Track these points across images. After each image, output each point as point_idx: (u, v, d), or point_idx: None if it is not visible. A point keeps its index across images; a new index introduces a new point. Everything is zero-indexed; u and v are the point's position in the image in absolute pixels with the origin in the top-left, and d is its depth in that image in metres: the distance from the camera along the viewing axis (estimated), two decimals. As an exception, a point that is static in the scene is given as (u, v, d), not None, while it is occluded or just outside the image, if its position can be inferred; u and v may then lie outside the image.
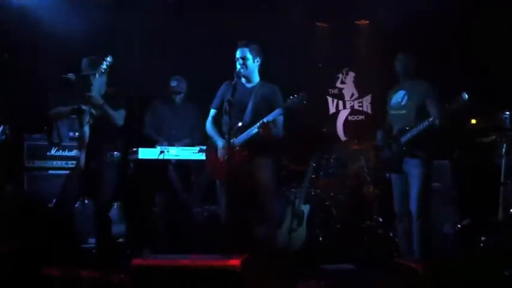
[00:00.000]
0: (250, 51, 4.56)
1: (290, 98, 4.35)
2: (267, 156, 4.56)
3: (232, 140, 4.43)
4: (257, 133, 4.37)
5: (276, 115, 4.39)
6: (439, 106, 4.58)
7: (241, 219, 4.50)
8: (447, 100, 4.54)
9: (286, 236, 5.50)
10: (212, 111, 4.73)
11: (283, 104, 4.41)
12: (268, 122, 4.34)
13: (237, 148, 4.43)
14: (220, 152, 4.51)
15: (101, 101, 4.64)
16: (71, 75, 4.85)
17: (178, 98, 5.85)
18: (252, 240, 4.51)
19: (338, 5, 6.83)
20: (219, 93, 4.71)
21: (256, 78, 4.66)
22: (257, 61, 4.61)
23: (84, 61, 4.85)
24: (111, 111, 4.68)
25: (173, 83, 5.80)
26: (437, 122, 4.51)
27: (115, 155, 4.78)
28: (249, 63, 4.56)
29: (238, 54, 4.57)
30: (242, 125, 4.47)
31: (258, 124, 4.35)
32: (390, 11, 6.73)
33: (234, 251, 4.21)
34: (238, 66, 4.55)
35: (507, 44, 5.87)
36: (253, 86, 4.62)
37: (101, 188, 4.73)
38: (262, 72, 4.72)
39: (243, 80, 4.62)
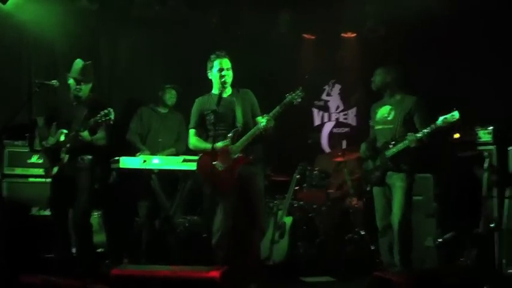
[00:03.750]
0: (230, 61, 4.54)
1: (290, 94, 4.34)
2: (260, 163, 4.56)
3: (230, 147, 4.39)
4: (261, 131, 4.32)
5: (279, 110, 4.34)
6: (427, 119, 4.61)
7: (233, 230, 4.44)
8: (434, 115, 4.56)
9: (268, 248, 5.48)
10: (192, 131, 4.62)
11: (284, 100, 4.36)
12: (271, 117, 4.32)
13: (240, 154, 4.38)
14: (217, 162, 4.42)
15: (89, 138, 4.65)
16: (54, 82, 4.81)
17: (167, 107, 5.86)
18: (236, 251, 4.46)
19: (325, 18, 6.86)
20: (194, 110, 4.63)
21: (229, 87, 4.61)
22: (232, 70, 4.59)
23: (78, 63, 4.83)
24: (95, 139, 4.71)
25: (164, 96, 5.84)
26: (423, 137, 4.53)
27: (86, 160, 4.75)
28: (230, 73, 4.54)
29: (219, 64, 4.50)
30: (235, 131, 4.42)
31: (263, 122, 4.30)
32: (377, 23, 6.79)
33: (215, 262, 4.20)
34: (219, 78, 4.51)
35: (489, 58, 5.94)
36: (230, 95, 4.57)
37: (76, 194, 4.69)
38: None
39: (216, 92, 4.56)
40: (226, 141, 4.41)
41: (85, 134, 4.61)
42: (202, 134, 4.63)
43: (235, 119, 4.47)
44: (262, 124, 4.31)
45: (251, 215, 4.42)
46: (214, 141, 4.37)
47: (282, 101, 4.36)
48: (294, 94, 4.33)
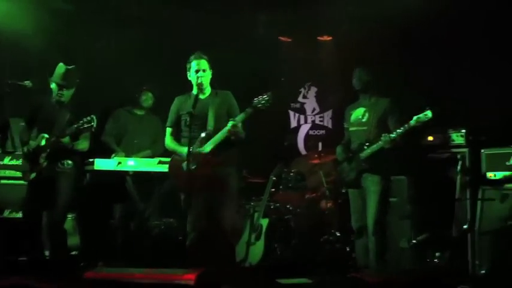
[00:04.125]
0: (208, 63, 4.53)
1: (257, 98, 4.34)
2: (232, 165, 4.54)
3: (199, 149, 4.38)
4: (227, 136, 4.34)
5: (244, 116, 4.36)
6: (400, 122, 4.66)
7: (206, 231, 4.44)
8: (409, 116, 4.62)
9: (244, 250, 5.47)
10: (169, 130, 4.65)
11: (251, 104, 4.36)
12: (237, 122, 4.32)
13: (209, 156, 4.38)
14: (187, 163, 4.42)
15: (70, 145, 4.63)
16: (27, 82, 4.74)
17: (144, 110, 5.83)
18: (211, 253, 4.45)
19: (301, 21, 6.89)
20: (173, 109, 4.66)
21: (208, 88, 4.62)
22: (211, 72, 4.57)
23: (61, 68, 4.77)
24: (76, 145, 4.69)
25: (141, 98, 5.81)
26: (397, 137, 4.58)
27: (67, 164, 4.70)
28: (207, 75, 4.53)
29: (196, 65, 4.50)
30: (207, 134, 4.43)
31: (228, 126, 4.31)
32: (353, 27, 6.84)
33: (190, 265, 4.18)
34: (195, 80, 4.51)
35: (464, 61, 6.03)
36: (208, 96, 4.58)
37: (54, 198, 4.64)
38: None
39: (194, 92, 4.57)
40: (197, 145, 4.41)
41: (66, 140, 4.59)
42: (178, 133, 4.63)
43: (204, 123, 4.47)
44: (226, 128, 4.33)
45: (223, 217, 4.41)
46: (189, 144, 4.35)
47: (249, 105, 4.37)
48: (260, 99, 4.32)
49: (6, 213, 5.34)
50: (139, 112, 5.86)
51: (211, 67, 4.57)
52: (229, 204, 4.45)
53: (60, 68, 4.78)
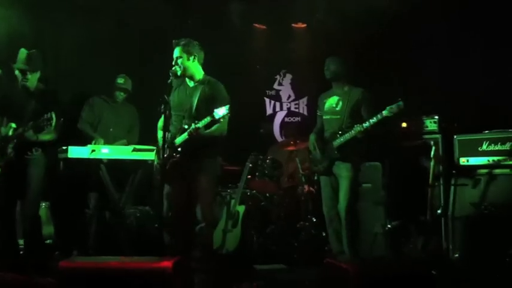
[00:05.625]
0: (183, 50, 4.39)
1: (217, 108, 4.17)
2: (209, 158, 4.45)
3: (175, 140, 4.35)
4: (189, 136, 4.29)
5: (205, 122, 4.23)
6: (373, 112, 4.69)
7: (182, 220, 4.42)
8: (381, 105, 4.66)
9: (221, 237, 5.48)
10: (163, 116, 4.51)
11: (212, 114, 4.19)
12: (198, 127, 4.22)
13: (178, 149, 4.34)
14: (162, 155, 4.38)
15: (34, 138, 4.56)
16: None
17: (121, 97, 5.74)
18: (187, 241, 4.44)
19: (275, 8, 6.87)
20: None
21: (198, 75, 4.49)
22: (193, 58, 4.42)
23: (22, 53, 4.68)
24: (41, 138, 4.61)
25: (120, 80, 5.70)
26: (370, 127, 4.62)
27: (35, 151, 4.65)
28: (183, 62, 4.41)
29: (174, 53, 4.44)
30: (182, 126, 4.37)
31: (192, 127, 4.24)
32: (327, 14, 6.84)
33: (167, 253, 4.16)
34: (174, 66, 4.40)
35: (436, 47, 6.10)
36: (196, 85, 4.48)
37: (24, 185, 4.59)
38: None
39: (187, 79, 4.51)
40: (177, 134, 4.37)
41: (29, 134, 4.53)
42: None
43: (188, 112, 4.40)
44: (190, 129, 4.25)
45: (198, 206, 4.40)
46: (164, 132, 4.25)
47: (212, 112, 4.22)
48: (221, 109, 4.15)
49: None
50: (114, 101, 5.76)
51: (196, 52, 4.43)
52: (203, 195, 4.40)
53: (22, 53, 4.69)
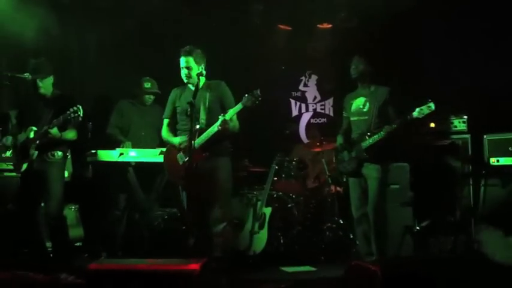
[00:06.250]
0: (194, 60, 4.51)
1: (246, 96, 4.31)
2: (225, 157, 4.56)
3: (192, 142, 4.39)
4: (217, 131, 4.35)
5: (235, 111, 4.36)
6: (401, 112, 4.64)
7: (201, 221, 4.47)
8: (409, 105, 4.60)
9: (248, 238, 5.48)
10: (166, 121, 4.71)
11: (241, 101, 4.34)
12: (226, 119, 4.32)
13: (197, 149, 4.39)
14: (179, 154, 4.46)
15: (58, 135, 4.65)
16: (26, 75, 4.74)
17: (150, 100, 5.79)
18: (210, 243, 4.47)
19: (301, 8, 6.85)
20: (170, 101, 4.71)
21: (202, 80, 4.59)
22: (201, 68, 4.55)
23: (29, 63, 4.81)
24: (65, 136, 4.71)
25: (147, 85, 5.75)
26: (398, 127, 4.57)
27: (56, 155, 4.73)
28: (193, 73, 4.52)
29: (182, 63, 4.52)
30: (199, 127, 4.45)
31: (218, 122, 4.32)
32: (352, 14, 6.80)
33: (194, 255, 4.19)
34: (183, 76, 4.52)
35: (465, 45, 6.00)
36: (200, 89, 4.55)
37: (47, 188, 4.69)
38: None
39: (189, 85, 4.60)
40: (183, 137, 4.47)
41: (54, 131, 4.61)
42: (174, 125, 4.67)
43: (199, 114, 4.48)
44: (216, 124, 4.34)
45: (215, 207, 4.44)
46: (190, 135, 4.35)
47: (240, 101, 4.35)
48: (250, 97, 4.27)
49: (10, 206, 5.34)
50: (141, 103, 5.80)
51: (203, 61, 4.55)
52: (221, 197, 4.48)
53: (29, 63, 4.82)
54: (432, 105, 4.48)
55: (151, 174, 5.41)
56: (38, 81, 4.77)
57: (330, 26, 7.35)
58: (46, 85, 4.82)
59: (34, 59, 4.82)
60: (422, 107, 4.51)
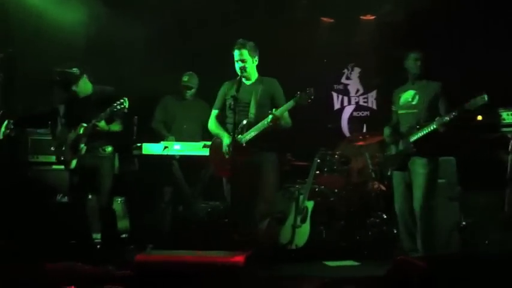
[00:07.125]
0: (249, 53, 4.57)
1: (300, 94, 4.32)
2: (271, 152, 4.59)
3: (239, 137, 4.43)
4: (269, 126, 4.38)
5: (286, 108, 4.40)
6: (451, 106, 4.55)
7: (246, 215, 4.50)
8: (460, 99, 4.49)
9: (290, 232, 5.48)
10: (215, 112, 4.77)
11: (293, 98, 4.38)
12: (277, 115, 4.35)
13: (244, 144, 4.42)
14: (226, 148, 4.51)
15: (106, 128, 4.73)
16: (75, 70, 4.82)
17: (189, 94, 5.86)
18: (255, 236, 4.50)
19: (343, 0, 6.78)
20: (220, 93, 4.77)
21: (254, 75, 4.68)
22: (255, 60, 4.63)
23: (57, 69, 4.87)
24: (112, 128, 4.79)
25: (185, 78, 5.83)
26: (450, 120, 4.47)
27: (107, 150, 4.83)
28: (248, 65, 4.57)
29: (237, 56, 4.58)
30: (248, 121, 4.50)
31: (269, 117, 4.35)
32: (396, 6, 6.69)
33: (238, 248, 4.22)
34: (237, 69, 4.57)
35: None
36: (253, 83, 4.65)
37: (98, 181, 4.79)
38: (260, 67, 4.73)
39: (243, 79, 4.63)
40: (238, 132, 4.49)
41: (102, 124, 4.69)
42: (223, 117, 4.72)
43: (247, 109, 4.53)
44: (267, 120, 4.37)
45: (261, 202, 4.47)
46: (233, 129, 4.41)
47: (292, 97, 4.38)
48: (303, 95, 4.30)
49: (58, 198, 5.49)
50: (185, 97, 5.87)
51: (256, 53, 4.60)
52: (267, 191, 4.51)
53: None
54: (486, 97, 4.34)
55: (196, 168, 5.48)
56: (73, 85, 4.80)
57: (373, 17, 7.26)
58: (83, 85, 4.86)
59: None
60: (475, 98, 4.37)
